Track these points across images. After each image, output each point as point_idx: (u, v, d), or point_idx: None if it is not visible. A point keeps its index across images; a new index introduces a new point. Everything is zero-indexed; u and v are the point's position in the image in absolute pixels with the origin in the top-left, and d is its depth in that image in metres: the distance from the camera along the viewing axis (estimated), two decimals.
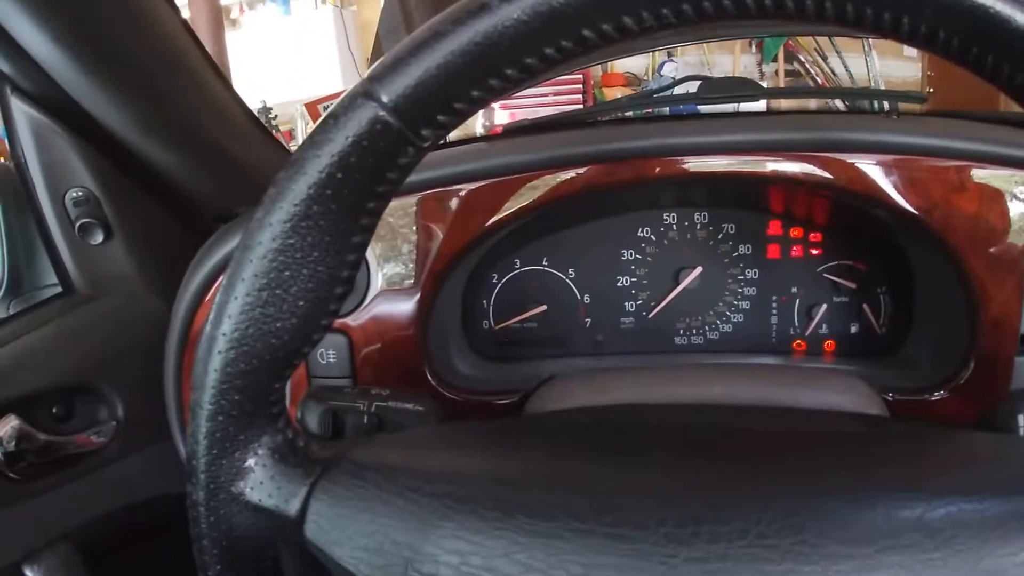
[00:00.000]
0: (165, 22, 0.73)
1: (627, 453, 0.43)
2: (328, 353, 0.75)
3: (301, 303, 0.35)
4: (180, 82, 0.75)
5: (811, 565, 0.31)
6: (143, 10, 0.70)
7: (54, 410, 0.73)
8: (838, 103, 1.59)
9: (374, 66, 0.33)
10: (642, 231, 0.83)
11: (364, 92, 0.32)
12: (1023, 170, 0.69)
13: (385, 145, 0.32)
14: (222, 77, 0.81)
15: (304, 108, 3.09)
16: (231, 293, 0.34)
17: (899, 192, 0.71)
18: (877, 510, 0.33)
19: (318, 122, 0.33)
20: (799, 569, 0.31)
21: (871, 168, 0.71)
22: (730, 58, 3.82)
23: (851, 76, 3.48)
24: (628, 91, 3.78)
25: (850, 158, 0.71)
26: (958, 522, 0.32)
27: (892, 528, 0.32)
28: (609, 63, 3.73)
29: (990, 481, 0.36)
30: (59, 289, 0.79)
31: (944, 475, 0.38)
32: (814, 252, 0.83)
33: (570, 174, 0.73)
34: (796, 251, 0.83)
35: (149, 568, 0.82)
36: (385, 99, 0.31)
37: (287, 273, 0.34)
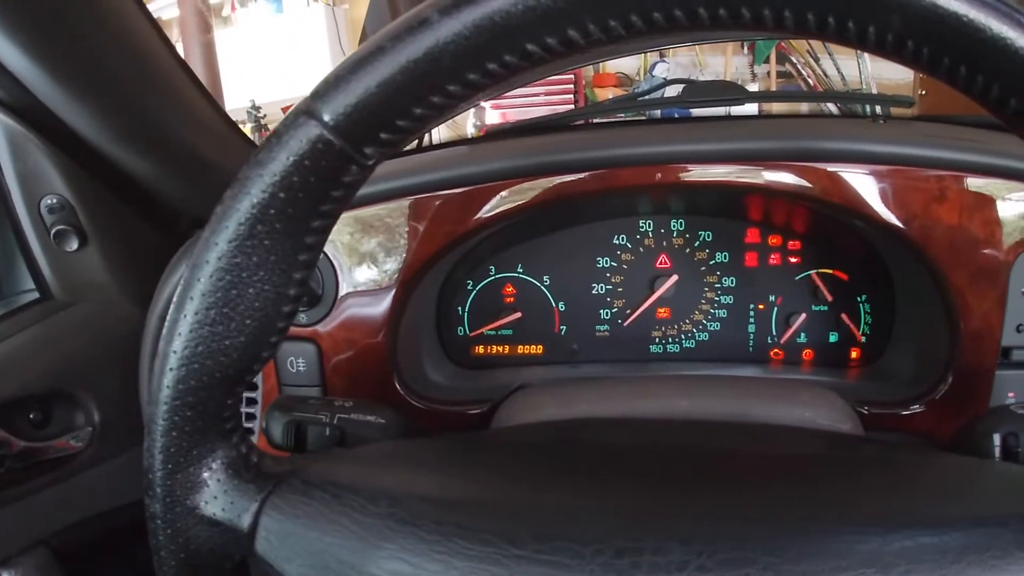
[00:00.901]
0: (138, 29, 0.73)
1: (576, 475, 0.43)
2: (298, 361, 0.75)
3: (248, 321, 0.34)
4: (154, 88, 0.75)
5: None
6: (116, 18, 0.70)
7: (31, 416, 0.73)
8: (830, 106, 1.59)
9: (318, 83, 0.32)
10: (618, 238, 0.83)
11: (306, 111, 0.32)
12: (1004, 179, 0.69)
13: (328, 164, 0.32)
14: (198, 83, 0.81)
15: (283, 112, 3.08)
16: (181, 311, 0.34)
17: (878, 202, 0.70)
18: (830, 543, 0.32)
19: (263, 140, 0.33)
20: None
21: (850, 177, 0.70)
22: (722, 59, 3.82)
23: (843, 78, 3.47)
24: (620, 91, 3.78)
25: (829, 167, 0.70)
26: (915, 556, 0.31)
27: (845, 563, 0.31)
28: (601, 63, 3.74)
29: (953, 511, 0.35)
30: (36, 295, 0.79)
31: (906, 505, 0.37)
32: (793, 260, 0.83)
33: (541, 182, 0.73)
34: (774, 259, 0.83)
35: (127, 573, 0.82)
36: (327, 118, 0.31)
37: (234, 292, 0.33)
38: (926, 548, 0.31)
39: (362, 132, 0.32)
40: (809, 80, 3.67)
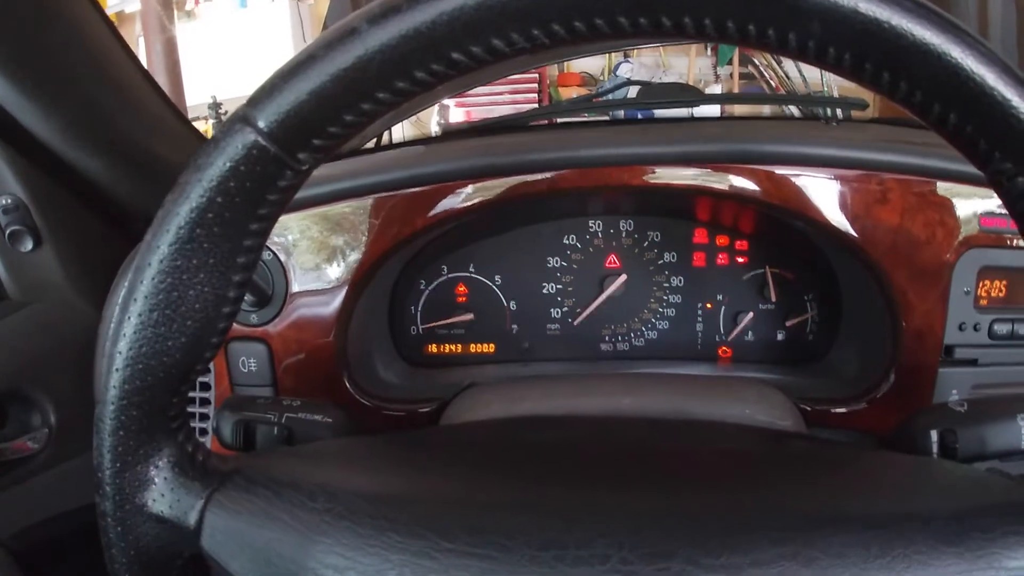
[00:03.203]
0: (92, 27, 0.73)
1: (510, 471, 0.44)
2: (249, 362, 0.75)
3: (190, 323, 0.35)
4: (108, 87, 0.75)
5: None
6: (70, 16, 0.70)
7: None
8: (792, 109, 1.61)
9: (254, 91, 0.33)
10: (568, 238, 0.84)
11: (242, 117, 0.33)
12: (945, 181, 0.70)
13: (263, 169, 0.33)
14: (154, 84, 0.81)
15: None
16: (125, 313, 0.35)
17: (821, 204, 0.71)
18: (752, 537, 0.33)
19: (201, 145, 0.34)
20: None
21: (794, 180, 0.71)
22: (686, 60, 3.85)
23: (805, 80, 3.51)
24: (584, 91, 3.79)
25: (776, 169, 0.71)
26: (838, 551, 0.32)
27: (766, 556, 0.32)
28: (565, 63, 3.75)
29: (882, 507, 0.36)
30: None
31: (832, 501, 0.38)
32: (740, 260, 0.84)
33: (490, 184, 0.73)
34: (722, 259, 0.84)
35: (85, 574, 0.82)
36: (261, 124, 0.32)
37: (175, 294, 0.34)
38: (851, 543, 0.32)
39: (295, 138, 0.33)
40: (771, 82, 3.70)
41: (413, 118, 2.41)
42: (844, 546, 0.32)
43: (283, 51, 4.22)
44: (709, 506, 0.37)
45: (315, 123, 0.32)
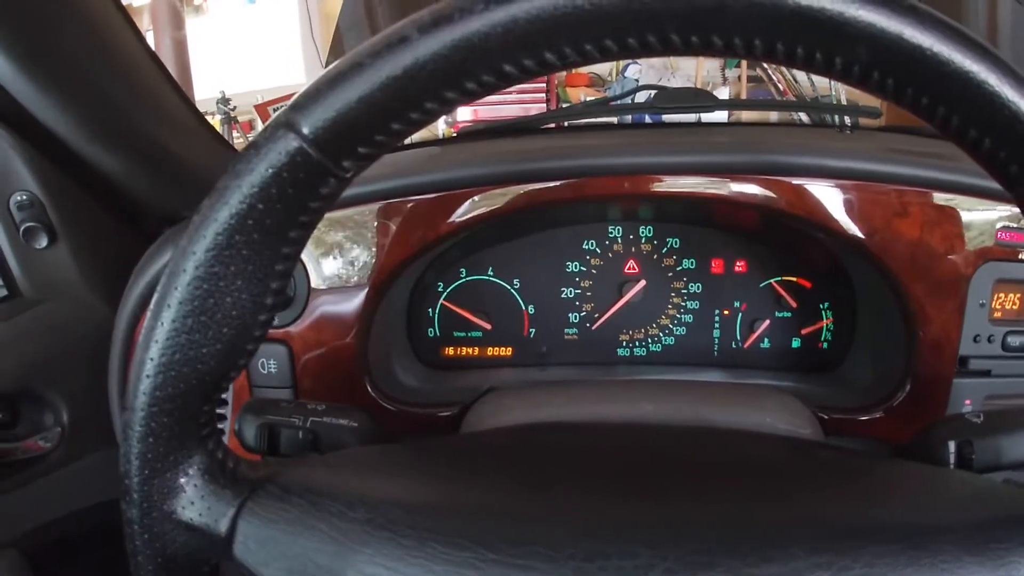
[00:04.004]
0: (110, 23, 0.72)
1: (545, 479, 0.44)
2: (269, 363, 0.75)
3: (225, 330, 0.35)
4: (125, 84, 0.74)
5: None
6: (87, 11, 0.70)
7: None
8: (802, 115, 1.60)
9: (296, 96, 0.33)
10: (587, 243, 0.84)
11: (286, 123, 0.32)
12: (964, 195, 0.71)
13: (306, 176, 0.33)
14: (170, 78, 0.80)
15: (255, 109, 3.05)
16: (158, 319, 0.34)
17: (841, 216, 0.72)
18: (789, 547, 0.33)
19: (241, 151, 0.34)
20: None
21: (815, 191, 0.72)
22: (694, 62, 3.84)
23: (812, 84, 3.51)
24: (592, 91, 3.78)
25: (795, 180, 0.72)
26: (869, 560, 0.32)
27: (802, 565, 0.32)
28: None
29: (906, 518, 0.36)
30: (5, 292, 0.78)
31: (861, 511, 0.38)
32: (758, 268, 0.84)
33: (512, 189, 0.74)
34: (740, 266, 0.84)
35: (98, 574, 0.82)
36: (306, 131, 0.32)
37: (211, 300, 0.34)
38: (881, 553, 0.33)
39: (340, 145, 0.32)
40: (779, 85, 3.70)
41: None
42: (875, 556, 0.33)
43: (291, 47, 4.23)
44: (745, 515, 0.37)
45: (362, 131, 0.32)
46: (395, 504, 0.38)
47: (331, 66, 0.32)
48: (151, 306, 0.35)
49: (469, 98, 0.32)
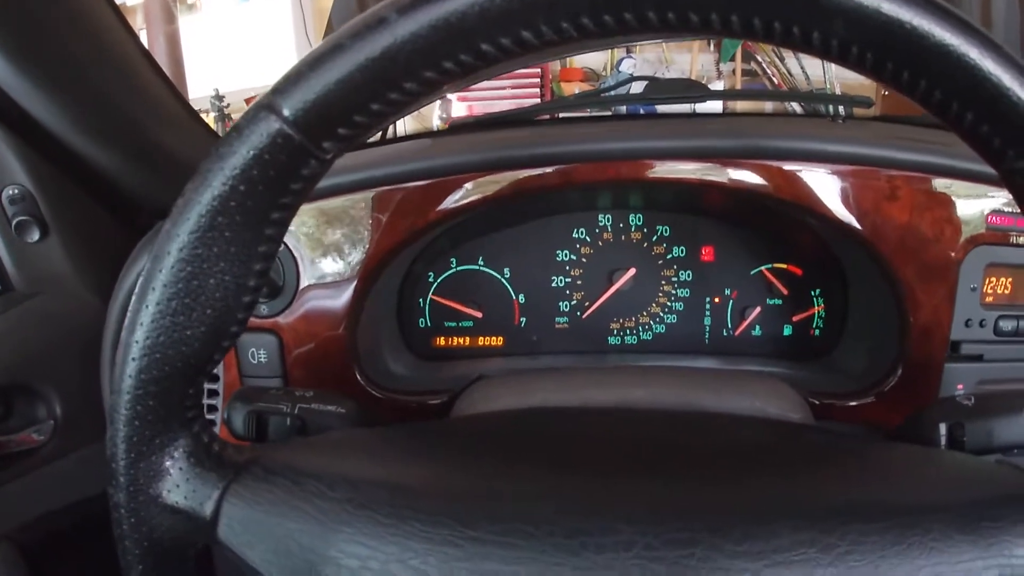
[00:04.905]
0: (102, 17, 0.72)
1: (529, 460, 0.44)
2: (259, 353, 0.75)
3: (209, 311, 0.35)
4: (117, 78, 0.74)
5: None
6: (80, 6, 0.70)
7: None
8: (794, 105, 1.60)
9: (278, 79, 0.33)
10: (577, 232, 0.84)
11: (267, 105, 0.32)
12: (954, 179, 0.71)
13: (287, 158, 0.33)
14: (161, 73, 0.81)
15: (246, 103, 3.04)
16: (143, 301, 0.34)
17: (831, 200, 0.72)
18: (773, 524, 0.33)
19: (224, 134, 0.34)
20: None
21: (804, 176, 0.72)
22: (688, 57, 3.84)
23: (807, 77, 3.52)
24: (586, 86, 3.79)
25: (785, 165, 0.72)
26: (855, 539, 0.32)
27: (786, 543, 0.32)
28: (568, 58, 3.74)
29: (897, 497, 0.36)
30: None
31: (848, 490, 0.38)
32: (748, 254, 0.84)
33: (502, 176, 0.74)
34: (730, 253, 0.85)
35: (93, 566, 0.82)
36: (287, 113, 0.32)
37: (195, 282, 0.34)
38: (868, 531, 0.33)
39: (320, 127, 0.32)
40: (774, 79, 3.72)
41: (415, 112, 2.42)
42: (861, 534, 0.33)
43: (285, 44, 4.22)
44: (729, 495, 0.38)
45: (342, 112, 0.32)
46: (376, 484, 0.38)
47: (312, 49, 0.33)
48: (136, 289, 0.35)
49: (447, 78, 0.32)
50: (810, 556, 0.32)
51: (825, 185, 0.72)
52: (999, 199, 0.71)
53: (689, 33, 0.31)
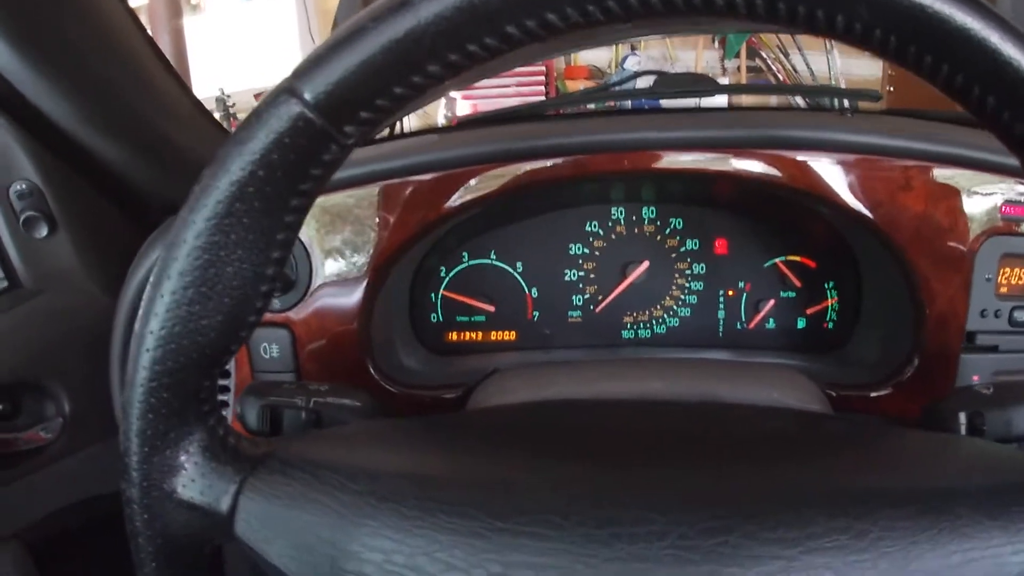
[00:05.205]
0: (111, 13, 0.72)
1: (553, 452, 0.43)
2: (271, 347, 0.75)
3: (227, 300, 0.34)
4: (126, 74, 0.74)
5: (734, 567, 0.31)
6: (88, 1, 0.70)
7: (0, 407, 0.72)
8: (799, 100, 1.60)
9: (299, 63, 0.32)
10: (590, 225, 0.84)
11: (287, 89, 0.32)
12: (968, 169, 0.71)
13: (308, 143, 0.32)
14: (170, 68, 0.80)
15: (255, 99, 3.04)
16: (158, 291, 0.34)
17: (845, 190, 0.71)
18: (804, 512, 0.33)
19: (244, 119, 0.33)
20: (721, 571, 0.31)
21: (818, 166, 0.71)
22: (693, 53, 3.84)
23: (812, 73, 3.52)
24: (591, 84, 3.79)
25: (798, 155, 0.72)
26: (887, 524, 0.32)
27: (818, 530, 0.32)
28: (572, 56, 3.74)
29: (923, 483, 0.36)
30: (4, 283, 0.78)
31: (876, 477, 0.38)
32: (762, 247, 0.84)
33: (512, 168, 0.73)
34: (744, 246, 0.84)
35: (101, 565, 0.81)
36: (308, 96, 0.31)
37: (212, 271, 0.33)
38: (899, 516, 0.33)
39: (342, 111, 0.32)
40: (779, 75, 3.71)
41: (420, 111, 2.42)
42: (894, 519, 0.33)
43: (289, 44, 4.23)
44: (758, 483, 0.37)
45: (364, 96, 0.32)
46: (398, 475, 0.37)
47: (334, 32, 0.32)
48: (151, 278, 0.34)
49: (471, 62, 0.31)
50: (843, 543, 0.32)
51: (838, 175, 0.72)
52: (1014, 189, 0.71)
53: (715, 17, 0.30)
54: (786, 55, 3.69)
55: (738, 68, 3.84)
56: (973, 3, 0.28)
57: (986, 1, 0.28)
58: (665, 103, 1.12)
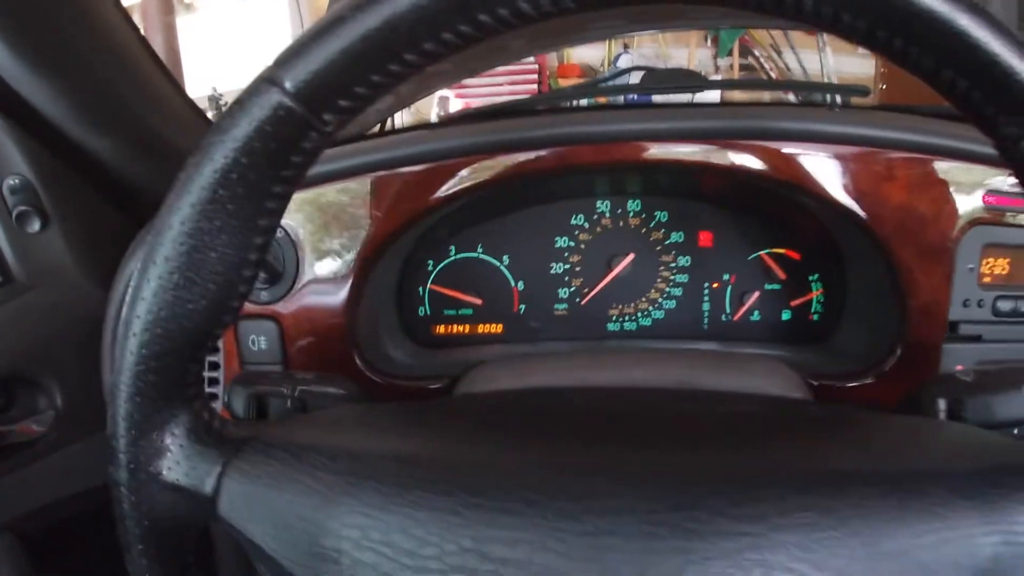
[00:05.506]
0: (104, 11, 0.73)
1: (531, 434, 0.44)
2: (259, 340, 0.75)
3: (211, 285, 0.35)
4: (118, 69, 0.75)
5: (700, 542, 0.32)
6: None
7: None
8: (791, 97, 1.61)
9: (281, 51, 0.33)
10: (575, 219, 0.85)
11: (268, 78, 0.33)
12: (950, 160, 0.72)
13: (288, 130, 0.33)
14: (162, 66, 0.81)
15: None
16: (144, 276, 0.35)
17: (829, 182, 0.72)
18: (773, 490, 0.33)
19: (227, 108, 0.34)
20: (687, 545, 0.32)
21: (801, 157, 0.72)
22: (686, 51, 3.85)
23: (804, 71, 3.52)
24: (583, 81, 3.79)
25: (783, 147, 0.72)
26: (855, 503, 0.33)
27: (787, 507, 0.32)
28: (565, 54, 3.75)
29: (896, 465, 0.36)
30: None
31: (849, 458, 0.39)
32: (746, 239, 0.85)
33: (500, 160, 0.74)
34: (728, 239, 0.85)
35: (93, 557, 0.82)
36: (288, 85, 0.32)
37: (197, 256, 0.34)
38: (868, 495, 0.33)
39: (322, 99, 0.33)
40: (771, 73, 3.72)
41: (412, 108, 2.42)
42: (862, 497, 0.33)
43: (282, 43, 4.20)
44: (730, 462, 0.38)
45: (342, 83, 0.32)
46: (378, 455, 0.38)
47: (314, 22, 0.33)
48: (138, 264, 0.35)
49: (447, 50, 0.32)
50: (811, 520, 0.32)
51: (823, 166, 0.72)
52: (996, 179, 0.72)
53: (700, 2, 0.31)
54: (779, 53, 3.70)
55: (731, 66, 3.85)
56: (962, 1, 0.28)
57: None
58: (657, 99, 1.12)
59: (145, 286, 0.35)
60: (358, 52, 0.31)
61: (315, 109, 0.33)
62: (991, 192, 0.72)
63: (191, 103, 0.87)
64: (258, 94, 0.33)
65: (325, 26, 0.32)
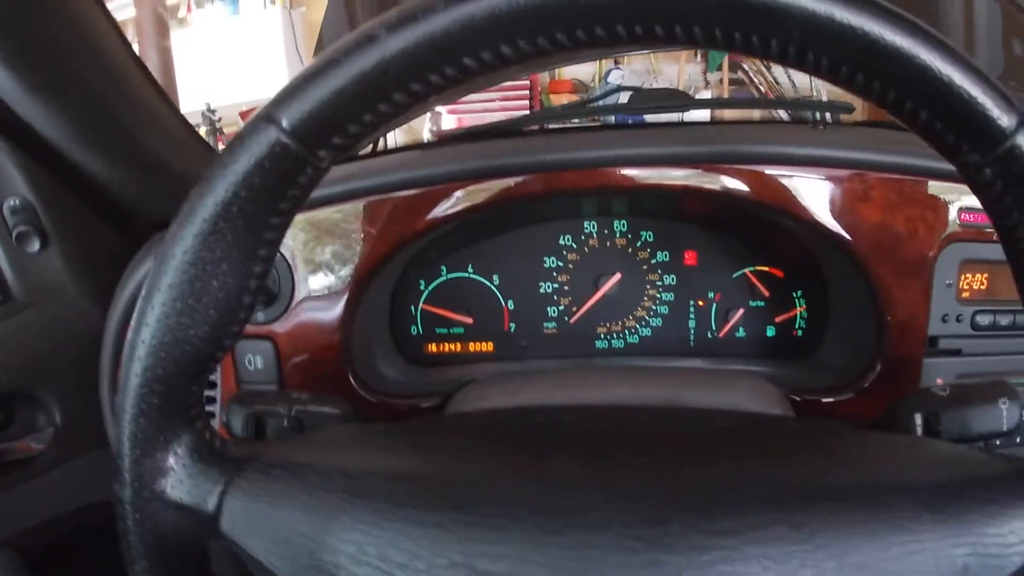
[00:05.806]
0: (101, 32, 0.74)
1: (518, 451, 0.46)
2: (255, 360, 0.77)
3: (212, 312, 0.37)
4: (116, 91, 0.76)
5: (674, 555, 0.33)
6: (80, 20, 0.71)
7: None
8: (781, 113, 1.63)
9: (278, 92, 0.35)
10: (563, 239, 0.86)
11: (266, 116, 0.34)
12: (924, 178, 0.73)
13: (285, 166, 0.35)
14: (158, 88, 0.82)
15: (240, 117, 3.06)
16: (149, 302, 0.36)
17: (807, 202, 0.74)
18: (746, 504, 0.35)
19: (228, 143, 0.36)
20: (662, 558, 0.33)
21: (780, 179, 0.74)
22: (676, 67, 3.88)
23: (794, 85, 3.54)
24: (575, 98, 3.82)
25: (765, 169, 0.74)
26: (824, 517, 0.34)
27: (759, 521, 0.34)
28: (556, 70, 3.77)
29: (868, 479, 0.38)
30: None
31: (822, 473, 0.40)
32: (730, 258, 0.86)
33: (489, 185, 0.76)
34: (713, 257, 0.86)
35: (92, 572, 0.82)
36: (285, 124, 0.34)
37: (198, 284, 0.36)
38: (836, 509, 0.34)
39: (316, 137, 0.35)
40: (761, 87, 3.74)
41: (406, 126, 2.44)
42: (829, 512, 0.34)
43: (275, 59, 4.23)
44: (706, 478, 0.39)
45: (336, 122, 0.34)
46: (372, 474, 0.40)
47: (308, 64, 0.35)
48: (143, 291, 0.37)
49: (434, 90, 0.34)
50: (782, 534, 0.33)
51: (803, 188, 0.74)
52: (972, 197, 0.72)
53: (655, 47, 0.33)
54: (768, 67, 3.73)
55: (720, 80, 3.88)
56: (902, 21, 0.30)
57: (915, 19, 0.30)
58: (649, 118, 1.14)
59: (149, 312, 0.36)
60: (350, 93, 0.33)
61: (310, 146, 0.35)
62: (967, 209, 0.73)
63: (187, 125, 0.88)
64: (257, 131, 0.34)
65: (319, 68, 0.34)
